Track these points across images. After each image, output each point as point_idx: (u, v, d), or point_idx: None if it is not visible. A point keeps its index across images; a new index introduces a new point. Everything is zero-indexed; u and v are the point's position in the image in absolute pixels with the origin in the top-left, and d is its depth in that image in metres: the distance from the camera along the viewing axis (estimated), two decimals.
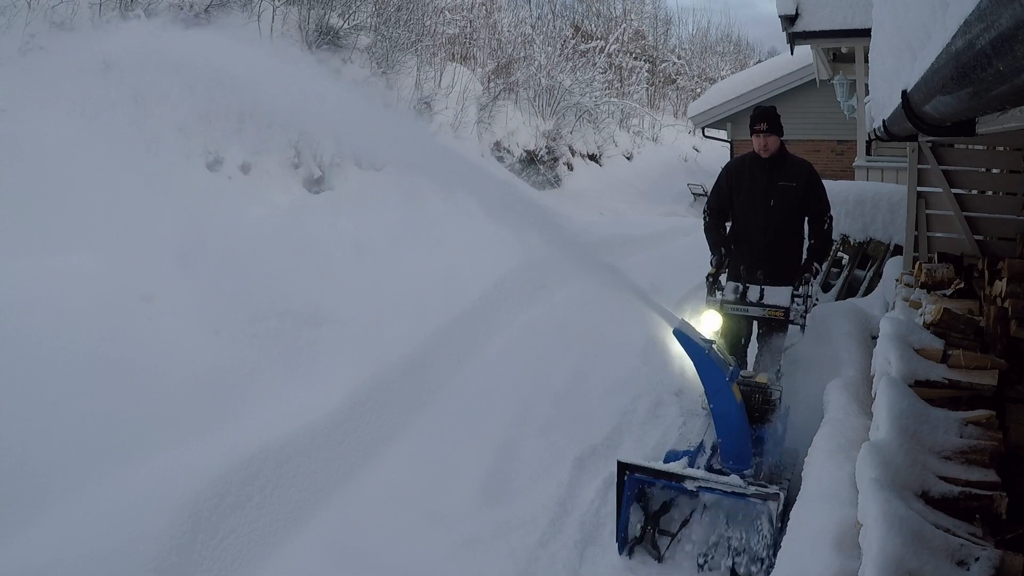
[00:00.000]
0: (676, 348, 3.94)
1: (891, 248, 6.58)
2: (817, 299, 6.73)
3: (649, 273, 7.84)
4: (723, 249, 4.76)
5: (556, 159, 19.14)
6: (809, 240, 4.82)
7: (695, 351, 3.74)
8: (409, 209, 9.55)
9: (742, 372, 4.29)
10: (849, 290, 6.98)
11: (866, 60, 6.77)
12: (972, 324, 3.32)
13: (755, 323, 4.96)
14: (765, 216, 4.75)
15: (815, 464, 2.97)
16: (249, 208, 8.33)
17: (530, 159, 17.96)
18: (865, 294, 6.61)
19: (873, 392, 3.14)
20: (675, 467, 3.71)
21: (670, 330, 3.73)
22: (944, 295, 4.00)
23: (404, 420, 5.50)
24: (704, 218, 5.01)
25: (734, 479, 3.57)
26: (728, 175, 4.91)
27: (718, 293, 4.60)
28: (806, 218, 4.85)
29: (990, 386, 2.85)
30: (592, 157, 21.41)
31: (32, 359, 4.69)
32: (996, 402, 2.84)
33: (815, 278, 4.67)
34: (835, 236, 6.82)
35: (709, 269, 4.68)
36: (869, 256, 6.88)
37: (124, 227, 6.45)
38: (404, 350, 6.19)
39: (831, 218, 4.81)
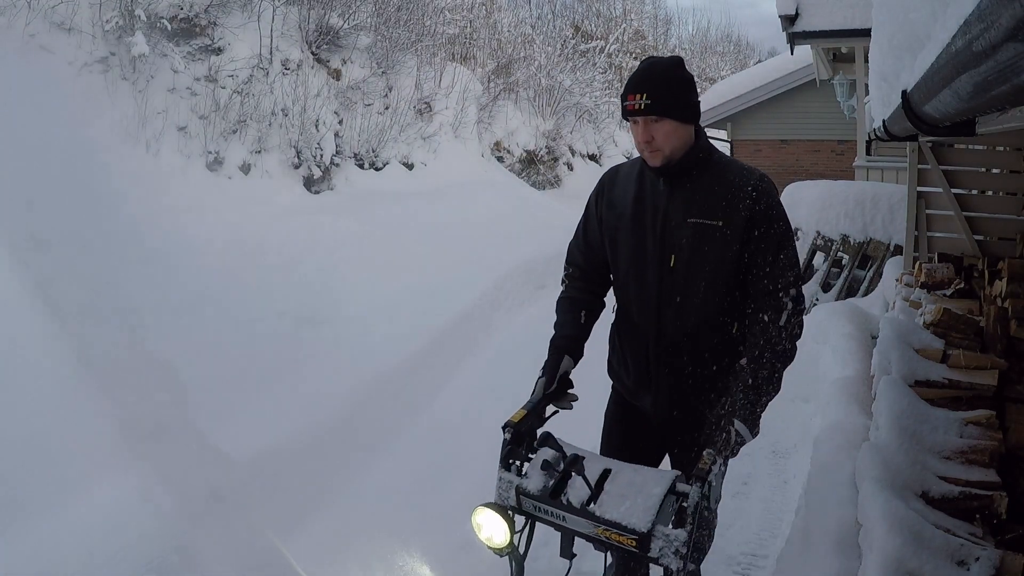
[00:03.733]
0: None
1: (891, 248, 6.58)
2: (817, 299, 6.73)
3: None
4: (564, 358, 2.22)
5: (556, 159, 19.14)
6: (748, 351, 2.09)
7: None
8: (409, 209, 9.55)
9: None
10: (849, 290, 6.98)
11: (866, 60, 6.77)
12: (972, 324, 3.31)
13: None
14: (659, 287, 2.18)
15: (815, 464, 2.97)
16: (249, 208, 8.33)
17: (530, 159, 17.96)
18: (865, 294, 6.61)
19: (873, 392, 3.14)
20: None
21: None
22: (944, 295, 4.00)
23: (404, 420, 5.50)
24: (563, 281, 2.43)
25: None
26: (599, 197, 2.34)
27: (518, 471, 2.02)
28: (750, 295, 2.15)
29: (990, 386, 2.85)
30: (592, 157, 21.40)
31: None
32: (996, 402, 2.84)
33: (730, 450, 1.93)
34: (835, 236, 6.77)
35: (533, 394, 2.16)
36: (869, 256, 6.87)
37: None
38: (404, 350, 6.19)
39: (797, 299, 2.10)
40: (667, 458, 2.42)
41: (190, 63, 9.31)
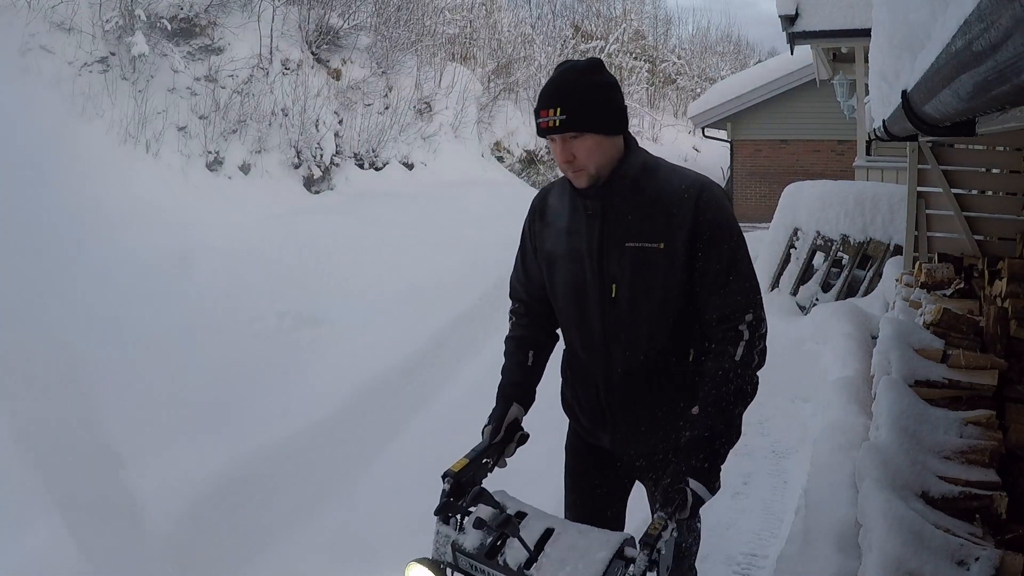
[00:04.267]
0: None
1: (891, 248, 6.58)
2: (817, 299, 6.73)
3: None
4: (512, 406, 2.04)
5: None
6: (701, 394, 1.83)
7: None
8: (409, 209, 9.55)
9: None
10: (849, 290, 6.98)
11: (866, 60, 6.77)
12: (972, 324, 3.31)
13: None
14: (602, 321, 1.94)
15: (816, 464, 2.97)
16: (249, 208, 8.34)
17: (530, 159, 17.96)
18: (865, 294, 6.61)
19: (873, 392, 3.14)
20: None
21: None
22: (944, 295, 4.00)
23: (404, 420, 5.50)
24: (509, 318, 2.21)
25: None
26: (531, 224, 2.09)
27: (458, 524, 1.78)
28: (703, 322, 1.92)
29: (990, 386, 2.85)
30: None
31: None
32: (996, 402, 2.84)
33: (687, 513, 1.65)
34: (835, 236, 6.77)
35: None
36: (869, 256, 6.87)
37: None
38: (404, 350, 6.19)
39: (755, 324, 1.84)
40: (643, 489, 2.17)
41: (190, 63, 9.32)
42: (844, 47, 9.57)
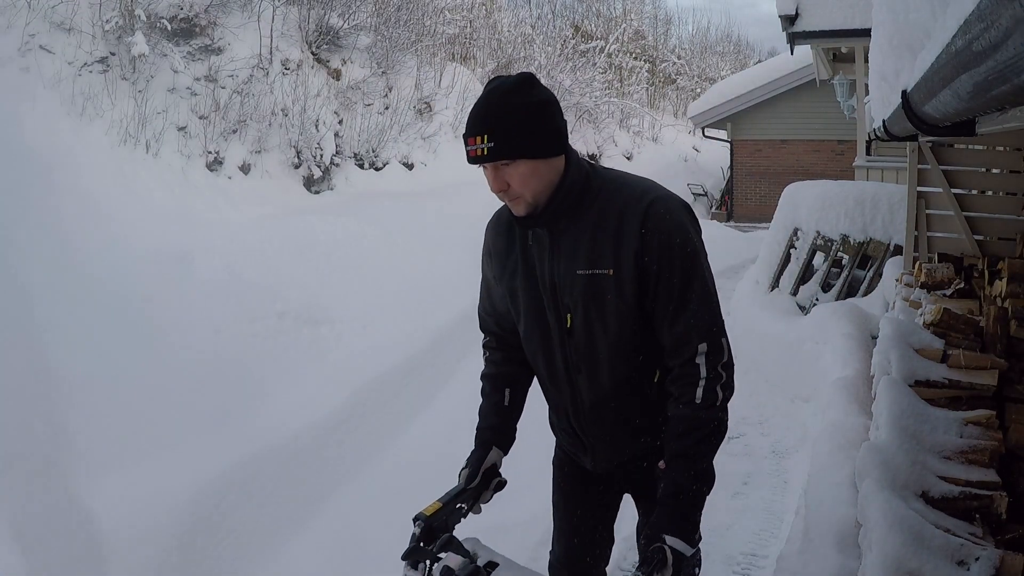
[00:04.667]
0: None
1: (891, 248, 6.58)
2: (817, 299, 6.72)
3: None
4: (491, 450, 1.92)
5: None
6: (665, 444, 1.69)
7: None
8: (409, 209, 9.55)
9: None
10: (849, 290, 6.98)
11: (866, 60, 6.77)
12: (972, 324, 3.31)
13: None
14: (562, 353, 1.85)
15: (816, 464, 2.97)
16: (249, 208, 8.34)
17: None
18: (865, 294, 6.61)
19: (873, 392, 3.14)
20: None
21: None
22: (944, 295, 3.99)
23: (404, 420, 5.51)
24: (483, 353, 2.09)
25: None
26: (487, 256, 1.99)
27: (425, 571, 1.65)
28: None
29: (990, 386, 2.85)
30: (592, 157, 21.42)
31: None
32: (996, 402, 2.84)
33: (668, 570, 1.50)
34: (835, 236, 6.77)
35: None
36: (869, 256, 6.87)
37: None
38: (404, 350, 6.19)
39: (714, 353, 1.67)
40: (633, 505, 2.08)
41: (190, 63, 9.32)
42: (844, 47, 9.58)
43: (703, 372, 1.64)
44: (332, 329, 6.31)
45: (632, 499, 2.05)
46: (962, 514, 2.21)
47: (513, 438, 1.97)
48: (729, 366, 1.68)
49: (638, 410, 1.83)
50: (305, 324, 6.29)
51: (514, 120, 1.61)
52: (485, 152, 1.62)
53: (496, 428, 1.94)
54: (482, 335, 2.06)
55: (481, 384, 2.00)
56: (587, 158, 1.77)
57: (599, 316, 1.73)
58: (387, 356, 6.01)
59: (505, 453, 1.93)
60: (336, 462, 4.89)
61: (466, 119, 1.67)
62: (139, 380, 5.00)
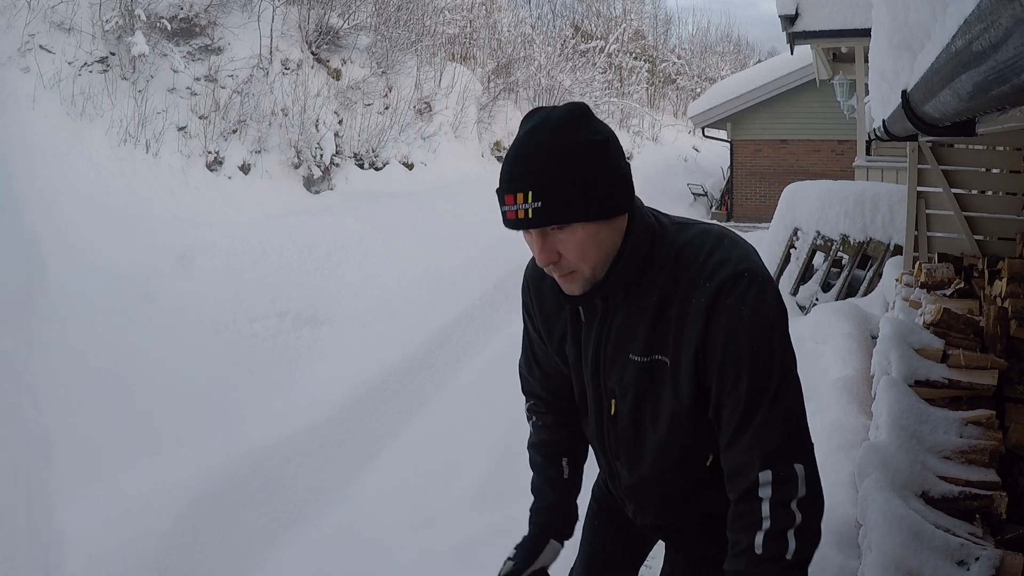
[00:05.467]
0: None
1: (891, 248, 6.58)
2: (817, 299, 6.73)
3: None
4: (548, 543, 1.59)
5: None
6: (732, 550, 1.28)
7: None
8: (409, 209, 9.56)
9: None
10: (849, 290, 6.98)
11: (866, 60, 6.76)
12: (972, 324, 3.31)
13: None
14: (601, 438, 1.55)
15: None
16: (249, 208, 8.34)
17: None
18: (865, 294, 6.61)
19: (873, 392, 3.14)
20: None
21: None
22: (944, 295, 3.99)
23: (404, 420, 5.51)
24: (528, 418, 1.71)
25: None
26: (531, 317, 1.59)
27: None
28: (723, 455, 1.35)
29: (990, 386, 2.85)
30: None
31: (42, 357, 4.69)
32: (996, 402, 2.83)
33: None
34: (835, 236, 6.77)
35: None
36: (869, 256, 6.88)
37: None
38: (404, 350, 6.19)
39: (784, 488, 1.23)
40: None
41: (190, 63, 9.32)
42: (844, 47, 9.58)
43: (765, 511, 1.23)
44: (332, 329, 6.31)
45: (663, 544, 1.76)
46: (962, 514, 2.21)
47: (575, 519, 1.63)
48: (810, 504, 1.24)
49: (682, 485, 1.51)
50: (305, 324, 6.29)
51: (566, 172, 1.21)
52: (530, 214, 1.22)
53: (555, 508, 1.60)
54: (526, 400, 1.70)
55: (529, 455, 1.67)
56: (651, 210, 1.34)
57: (650, 408, 1.41)
58: (387, 356, 6.01)
59: (561, 546, 1.60)
60: (336, 462, 4.89)
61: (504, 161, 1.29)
62: (139, 380, 5.01)
